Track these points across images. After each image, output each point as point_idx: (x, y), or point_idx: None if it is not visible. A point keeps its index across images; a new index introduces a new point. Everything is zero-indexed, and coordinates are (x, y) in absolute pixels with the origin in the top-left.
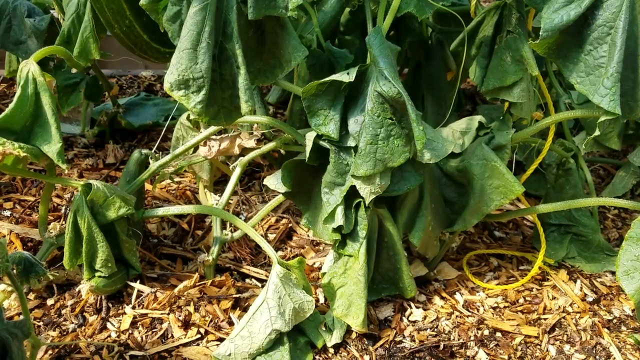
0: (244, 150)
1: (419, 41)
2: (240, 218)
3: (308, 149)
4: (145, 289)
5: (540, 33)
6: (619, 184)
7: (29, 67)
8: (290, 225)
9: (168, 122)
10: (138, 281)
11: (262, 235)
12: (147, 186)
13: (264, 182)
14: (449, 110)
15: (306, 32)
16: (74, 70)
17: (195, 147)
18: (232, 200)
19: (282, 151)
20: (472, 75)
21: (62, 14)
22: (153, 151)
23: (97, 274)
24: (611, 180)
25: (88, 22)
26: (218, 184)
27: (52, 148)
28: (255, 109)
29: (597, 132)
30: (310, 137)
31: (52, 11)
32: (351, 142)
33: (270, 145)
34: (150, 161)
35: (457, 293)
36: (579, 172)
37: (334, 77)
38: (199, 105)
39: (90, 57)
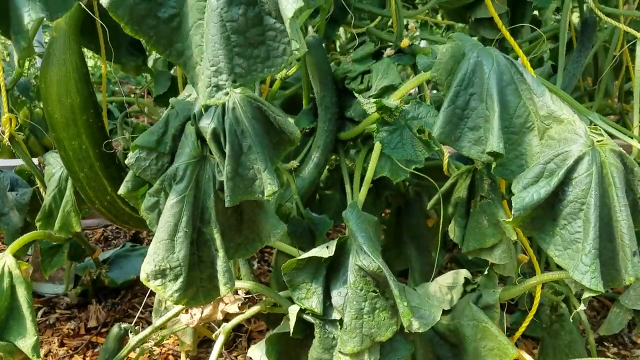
0: (228, 315)
1: (397, 193)
2: None
3: (292, 322)
4: None
5: (513, 212)
6: (614, 321)
7: (5, 261)
8: None
9: None
10: None
11: None
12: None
13: (248, 354)
14: (434, 260)
15: (285, 198)
16: None
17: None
18: None
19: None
20: (452, 234)
21: (44, 187)
22: (133, 323)
23: None
24: (607, 313)
25: (69, 197)
26: (202, 344)
27: (27, 342)
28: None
29: (584, 301)
30: (293, 311)
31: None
32: (336, 315)
33: (255, 309)
34: (130, 335)
35: None
36: (572, 310)
37: (313, 252)
38: (175, 294)
39: (71, 230)
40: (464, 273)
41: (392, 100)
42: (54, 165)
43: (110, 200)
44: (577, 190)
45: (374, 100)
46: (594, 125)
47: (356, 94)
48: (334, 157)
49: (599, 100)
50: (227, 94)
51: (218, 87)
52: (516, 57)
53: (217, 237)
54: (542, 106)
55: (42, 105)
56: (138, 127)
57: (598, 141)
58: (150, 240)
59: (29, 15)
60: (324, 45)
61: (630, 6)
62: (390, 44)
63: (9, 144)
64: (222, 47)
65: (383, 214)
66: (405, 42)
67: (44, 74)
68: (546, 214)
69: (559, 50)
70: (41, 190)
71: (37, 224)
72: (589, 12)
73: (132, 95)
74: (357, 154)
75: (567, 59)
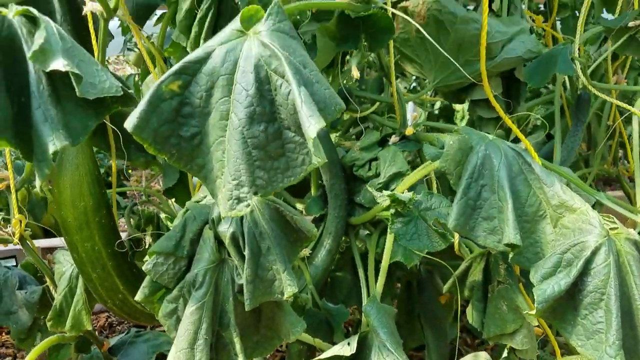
0: None
1: (409, 272)
2: None
3: None
4: None
5: (535, 304)
6: None
7: None
8: None
9: None
10: None
11: None
12: None
13: None
14: (449, 338)
15: (299, 288)
16: None
17: None
18: None
19: None
20: (471, 319)
21: (54, 285)
22: None
23: None
24: None
25: (80, 296)
26: None
27: None
28: None
29: None
30: None
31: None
32: None
33: None
34: None
35: None
36: None
37: (335, 351)
38: None
39: (82, 329)
40: (483, 356)
41: (405, 193)
42: (64, 264)
43: (122, 298)
44: (596, 280)
45: (388, 194)
46: (607, 215)
47: (369, 188)
48: (344, 239)
49: (596, 167)
50: (248, 205)
51: (240, 200)
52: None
53: (236, 341)
54: (553, 196)
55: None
56: (144, 214)
57: (611, 229)
58: (155, 326)
59: (53, 145)
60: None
61: (619, 76)
62: (394, 130)
63: (20, 244)
64: (243, 162)
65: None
66: (409, 130)
67: (57, 179)
68: (567, 304)
69: (555, 126)
70: (50, 288)
71: (48, 324)
72: (583, 88)
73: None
74: (368, 237)
75: (563, 131)
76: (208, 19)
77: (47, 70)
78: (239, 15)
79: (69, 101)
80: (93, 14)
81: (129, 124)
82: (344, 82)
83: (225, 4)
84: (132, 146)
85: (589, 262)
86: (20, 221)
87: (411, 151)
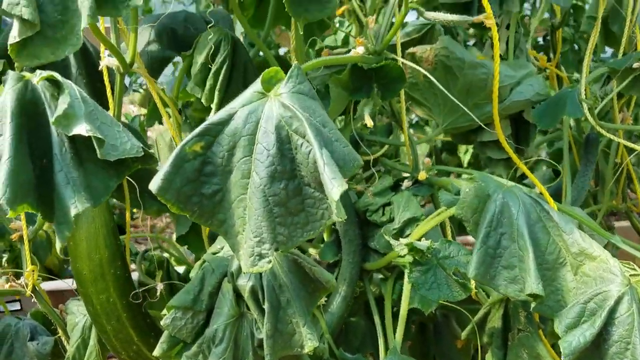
0: None
1: (424, 317)
2: None
3: None
4: None
5: (562, 357)
6: None
7: None
8: None
9: None
10: None
11: None
12: None
13: None
14: None
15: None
16: None
17: None
18: None
19: None
20: None
21: (66, 336)
22: None
23: None
24: None
25: (93, 347)
26: None
27: None
28: None
29: None
30: None
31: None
32: None
33: None
34: None
35: None
36: None
37: None
38: None
39: None
40: None
41: (422, 241)
42: (77, 315)
43: (137, 350)
44: (620, 330)
45: (405, 242)
46: (627, 262)
47: (384, 235)
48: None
49: (605, 203)
50: (270, 261)
51: (261, 256)
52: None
53: None
54: (573, 243)
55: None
56: (155, 260)
57: (632, 275)
58: None
59: (75, 208)
60: None
61: (625, 113)
62: (406, 172)
63: (32, 295)
64: (265, 219)
65: None
66: (422, 175)
67: (73, 232)
68: (592, 354)
69: (564, 166)
70: (63, 339)
71: None
72: (591, 129)
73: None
74: (383, 282)
75: (572, 169)
76: (222, 72)
77: (70, 134)
78: (260, 77)
79: (91, 163)
80: (109, 68)
81: (154, 186)
82: (356, 127)
83: (238, 57)
84: (145, 195)
85: (612, 311)
86: (33, 271)
87: (424, 196)
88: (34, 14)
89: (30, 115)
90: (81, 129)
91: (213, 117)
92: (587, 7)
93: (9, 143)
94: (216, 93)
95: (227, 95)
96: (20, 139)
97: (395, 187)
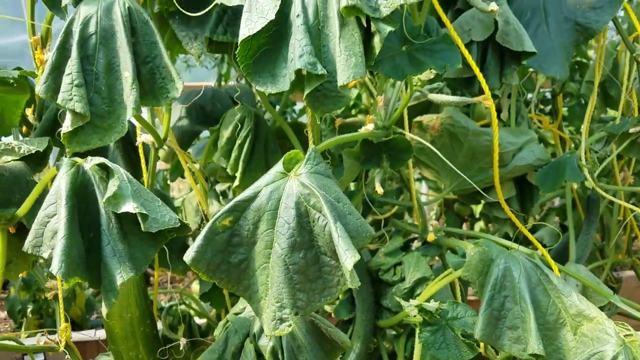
0: None
1: None
2: None
3: None
4: None
5: None
6: None
7: None
8: None
9: None
10: None
11: None
12: None
13: None
14: None
15: None
16: None
17: None
18: None
19: None
20: None
21: None
22: None
23: None
24: None
25: None
26: None
27: None
28: None
29: None
30: None
31: None
32: None
33: None
34: None
35: None
36: None
37: None
38: None
39: None
40: None
41: (431, 302)
42: None
43: None
44: None
45: (415, 304)
46: (621, 323)
47: (395, 295)
48: None
49: (611, 258)
50: (290, 325)
51: (282, 320)
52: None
53: None
54: (571, 305)
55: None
56: (177, 314)
57: (626, 335)
58: None
59: (121, 277)
60: None
61: (625, 173)
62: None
63: (65, 351)
64: (285, 285)
65: None
66: (431, 237)
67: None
68: None
69: (569, 224)
70: None
71: None
72: (592, 190)
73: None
74: (396, 338)
75: (576, 226)
76: (246, 145)
77: (119, 212)
78: (282, 159)
79: (134, 235)
80: (144, 142)
81: (188, 257)
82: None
83: (260, 131)
84: (173, 255)
85: None
86: (66, 328)
87: (433, 256)
88: (85, 107)
89: (81, 196)
90: (129, 207)
91: (240, 195)
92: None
93: (63, 223)
94: (240, 163)
95: (250, 165)
96: (73, 218)
97: (406, 247)
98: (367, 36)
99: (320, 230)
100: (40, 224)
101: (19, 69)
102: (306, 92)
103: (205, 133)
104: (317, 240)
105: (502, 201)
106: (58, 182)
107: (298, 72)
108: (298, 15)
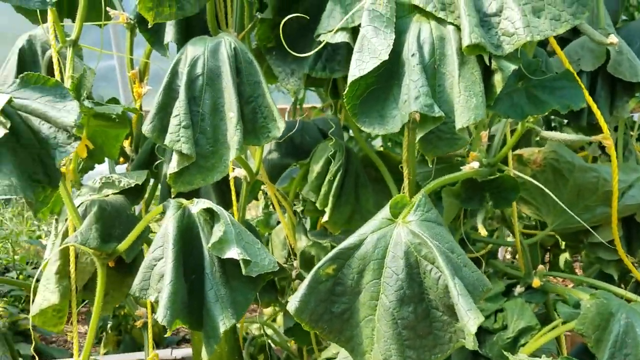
0: None
1: None
2: None
3: None
4: None
5: None
6: None
7: None
8: None
9: None
10: None
11: None
12: None
13: None
14: None
15: None
16: None
17: None
18: None
19: None
20: None
21: None
22: None
23: None
24: None
25: None
26: None
27: None
28: None
29: None
30: None
31: None
32: None
33: None
34: None
35: None
36: None
37: None
38: None
39: None
40: None
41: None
42: None
43: None
44: None
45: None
46: None
47: (498, 344)
48: None
49: None
50: None
51: None
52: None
53: None
54: None
55: None
56: (257, 343)
57: None
58: None
59: (224, 325)
60: None
61: None
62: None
63: None
64: (394, 341)
65: None
66: (536, 282)
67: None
68: None
69: None
70: None
71: None
72: None
73: None
74: None
75: None
76: (336, 181)
77: (224, 257)
78: (388, 204)
79: (235, 279)
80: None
81: (292, 308)
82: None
83: (351, 165)
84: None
85: None
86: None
87: (538, 303)
88: (191, 149)
89: (186, 239)
90: (233, 252)
91: (345, 243)
92: None
93: (170, 268)
94: (330, 198)
95: (340, 200)
96: (179, 262)
97: (507, 293)
98: (485, 74)
99: (432, 283)
100: (147, 267)
101: (115, 100)
102: (419, 135)
103: None
104: (427, 293)
105: (617, 242)
106: (165, 224)
107: (412, 114)
108: (413, 55)
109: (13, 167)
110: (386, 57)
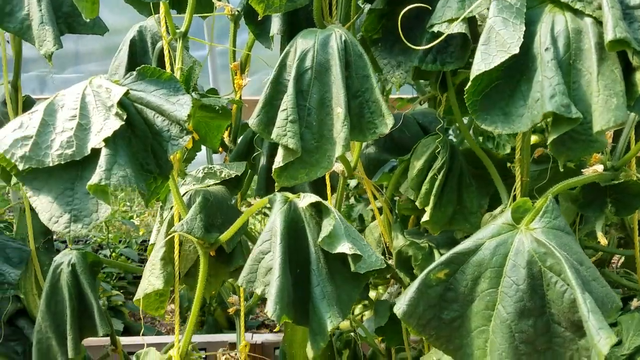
0: None
1: None
2: None
3: None
4: None
5: None
6: None
7: None
8: None
9: None
10: None
11: None
12: None
13: None
14: None
15: None
16: None
17: None
18: None
19: None
20: None
21: None
22: None
23: None
24: None
25: None
26: None
27: None
28: None
29: None
30: None
31: None
32: None
33: None
34: None
35: None
36: None
37: None
38: None
39: None
40: None
41: None
42: None
43: None
44: None
45: None
46: None
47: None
48: None
49: None
50: None
51: None
52: None
53: None
54: None
55: None
56: (343, 338)
57: None
58: None
59: (331, 323)
60: None
61: None
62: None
63: None
64: (509, 355)
65: None
66: None
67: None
68: None
69: None
70: None
71: None
72: None
73: None
74: None
75: None
76: (439, 179)
77: (334, 252)
78: (509, 209)
79: (339, 276)
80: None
81: (399, 310)
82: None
83: (455, 162)
84: None
85: None
86: (246, 346)
87: None
88: (297, 143)
89: (291, 233)
90: (344, 247)
91: (458, 247)
92: None
93: (278, 263)
94: (431, 197)
95: (441, 200)
96: (286, 257)
97: (623, 306)
98: (626, 72)
99: (556, 296)
100: (254, 260)
101: (213, 91)
102: (552, 136)
103: None
104: (549, 307)
105: None
106: (273, 218)
107: (547, 114)
108: (547, 49)
109: (128, 159)
110: (516, 51)
